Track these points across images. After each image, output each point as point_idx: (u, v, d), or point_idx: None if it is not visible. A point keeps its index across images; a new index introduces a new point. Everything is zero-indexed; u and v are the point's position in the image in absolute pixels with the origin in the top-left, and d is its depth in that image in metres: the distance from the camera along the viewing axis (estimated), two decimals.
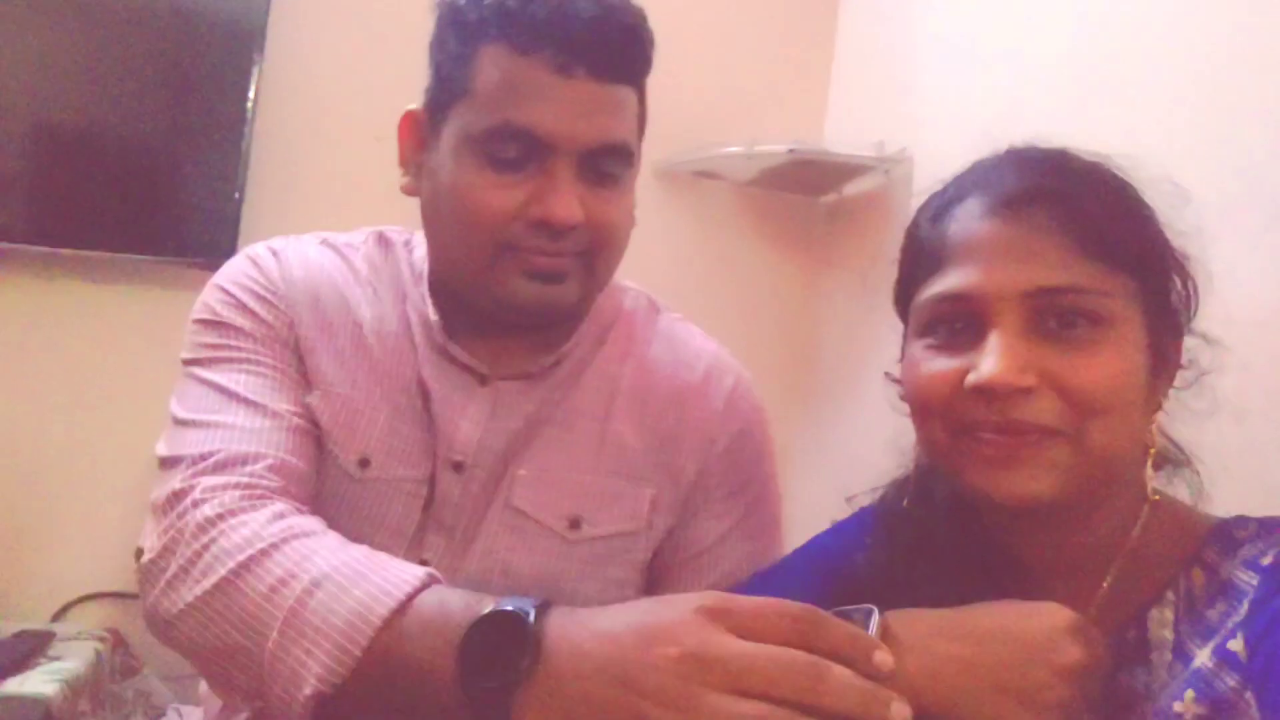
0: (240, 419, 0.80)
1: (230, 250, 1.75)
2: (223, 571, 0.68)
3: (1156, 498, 0.67)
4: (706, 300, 1.97)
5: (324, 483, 0.86)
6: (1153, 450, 0.67)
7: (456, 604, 0.60)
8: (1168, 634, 0.64)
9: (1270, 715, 0.55)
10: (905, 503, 0.76)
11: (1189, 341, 0.68)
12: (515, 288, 0.83)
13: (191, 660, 0.71)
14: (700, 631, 0.53)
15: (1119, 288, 0.64)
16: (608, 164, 0.83)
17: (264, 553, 0.67)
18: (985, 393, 0.63)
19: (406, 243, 0.98)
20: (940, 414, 0.67)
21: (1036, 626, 0.60)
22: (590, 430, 0.91)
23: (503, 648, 0.56)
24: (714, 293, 2.10)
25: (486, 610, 0.58)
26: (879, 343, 1.85)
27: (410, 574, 0.64)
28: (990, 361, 0.63)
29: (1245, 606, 0.59)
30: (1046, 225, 0.64)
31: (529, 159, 0.81)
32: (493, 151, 0.81)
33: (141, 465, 0.93)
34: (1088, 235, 0.64)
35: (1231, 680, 0.58)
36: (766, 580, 0.86)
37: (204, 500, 0.73)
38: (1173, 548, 0.66)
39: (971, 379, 0.63)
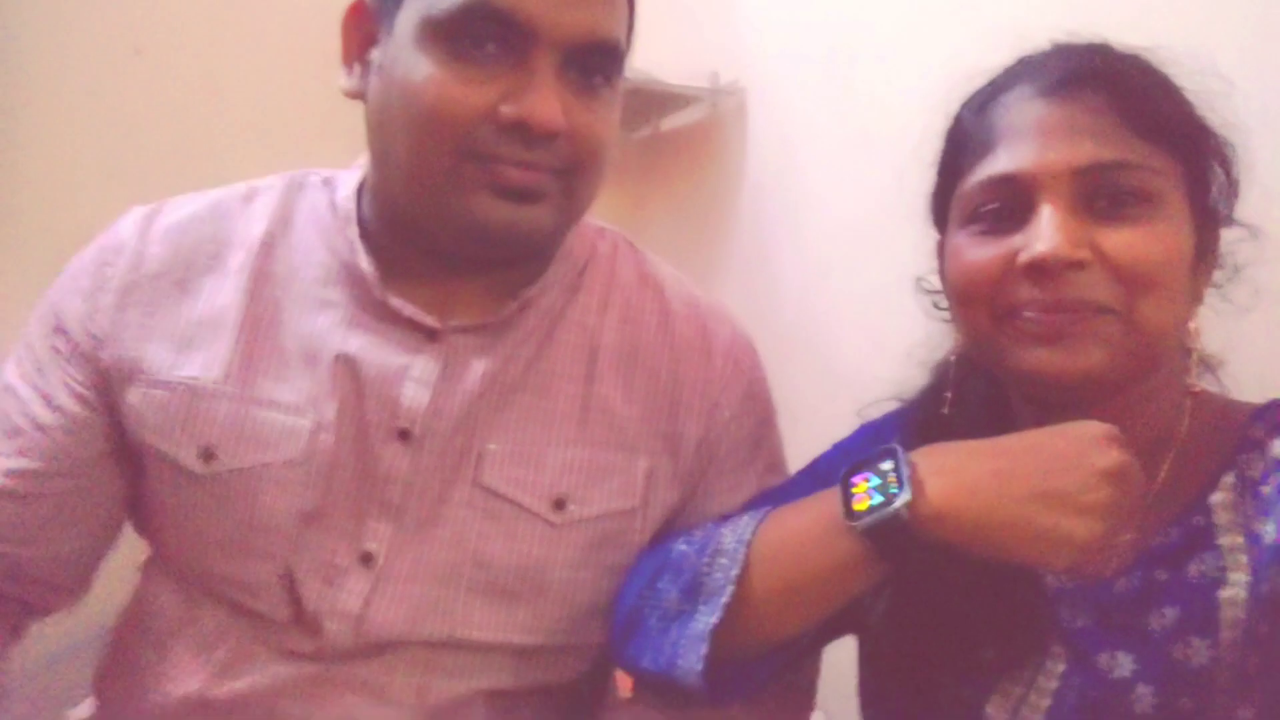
0: None
1: None
2: None
3: (1197, 390, 0.68)
4: None
5: (175, 496, 0.75)
6: (1195, 352, 0.68)
7: None
8: (1235, 516, 0.64)
9: None
10: (946, 410, 0.73)
11: (1227, 235, 0.69)
12: (481, 206, 0.70)
13: None
14: None
15: (1166, 167, 0.64)
16: (596, 66, 0.71)
17: None
18: (1038, 269, 0.62)
19: (326, 181, 0.82)
20: (986, 300, 0.66)
21: (1071, 437, 0.59)
22: (571, 395, 0.79)
23: None
24: None
25: None
26: (705, 282, 1.85)
27: None
28: (1046, 235, 0.61)
29: None
30: (1096, 104, 0.63)
31: (504, 50, 0.68)
32: (460, 38, 0.68)
33: None
34: (1136, 112, 0.63)
35: None
36: (771, 503, 0.78)
37: None
38: (1218, 437, 0.67)
39: (1024, 256, 0.62)
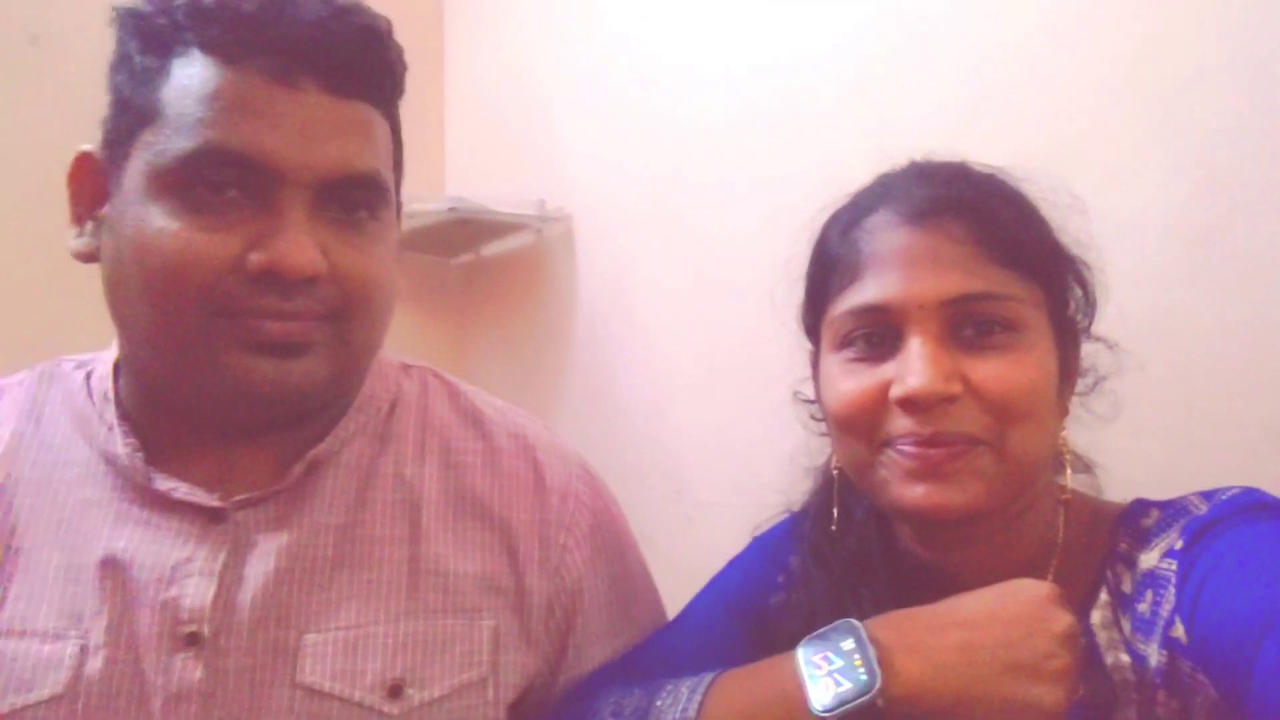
0: None
1: None
2: None
3: (1067, 496, 0.69)
4: None
5: None
6: (1068, 455, 0.68)
7: None
8: (1115, 635, 0.64)
9: (1220, 687, 0.56)
10: (834, 529, 0.72)
11: (1086, 348, 0.71)
12: (240, 366, 0.63)
13: None
14: None
15: (1028, 294, 0.65)
16: (357, 200, 0.66)
17: None
18: (912, 403, 0.62)
19: (81, 364, 0.74)
20: (864, 432, 0.65)
21: (1024, 601, 0.59)
22: (396, 561, 0.70)
23: None
24: None
25: None
26: (543, 410, 1.80)
27: None
28: (917, 369, 0.62)
29: (1172, 592, 0.61)
30: (959, 234, 0.65)
31: (247, 194, 0.63)
32: (196, 186, 0.62)
33: None
34: (998, 243, 0.65)
35: (1185, 666, 0.58)
36: (680, 635, 0.74)
37: None
38: (1092, 542, 0.68)
39: (898, 391, 0.63)
